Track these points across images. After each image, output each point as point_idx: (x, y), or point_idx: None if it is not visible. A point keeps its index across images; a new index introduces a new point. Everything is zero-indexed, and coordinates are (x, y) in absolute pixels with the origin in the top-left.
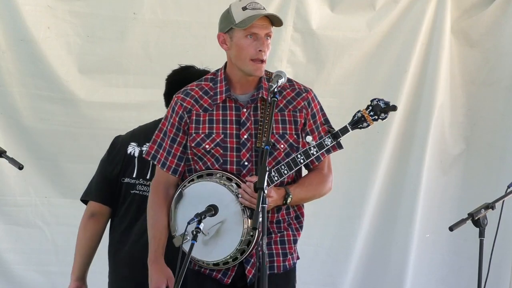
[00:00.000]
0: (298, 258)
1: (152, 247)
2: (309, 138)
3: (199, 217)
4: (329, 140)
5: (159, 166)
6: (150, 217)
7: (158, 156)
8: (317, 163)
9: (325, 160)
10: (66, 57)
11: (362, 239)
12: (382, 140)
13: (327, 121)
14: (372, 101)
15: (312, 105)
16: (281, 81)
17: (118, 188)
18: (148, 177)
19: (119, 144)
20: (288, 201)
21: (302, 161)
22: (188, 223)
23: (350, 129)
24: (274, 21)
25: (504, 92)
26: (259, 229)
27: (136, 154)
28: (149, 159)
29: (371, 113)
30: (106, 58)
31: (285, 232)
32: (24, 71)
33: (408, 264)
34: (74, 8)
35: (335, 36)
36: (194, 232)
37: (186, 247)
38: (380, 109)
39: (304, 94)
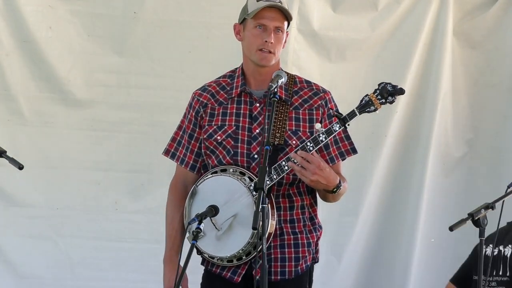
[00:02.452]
0: (314, 260)
1: (167, 246)
2: (318, 125)
3: (200, 217)
4: (337, 125)
5: (178, 163)
6: (167, 215)
7: (177, 153)
8: (330, 165)
9: (339, 163)
10: (68, 57)
11: (362, 243)
12: (384, 141)
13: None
14: (379, 84)
15: (329, 105)
16: (281, 81)
17: None
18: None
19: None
20: (337, 191)
21: (311, 148)
22: (189, 223)
23: (357, 113)
24: (287, 14)
25: (506, 94)
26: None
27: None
28: (169, 157)
29: (379, 97)
30: (106, 58)
31: (299, 235)
32: (28, 74)
33: (411, 267)
34: (75, 8)
35: (337, 37)
36: (194, 233)
37: (200, 244)
38: (387, 92)
39: (321, 94)
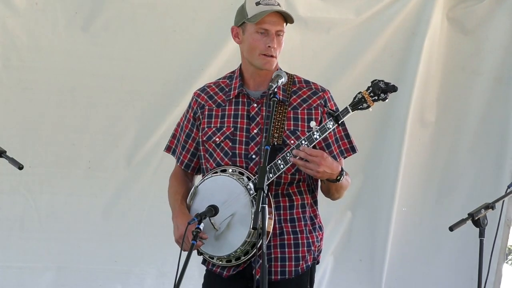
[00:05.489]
0: (315, 260)
1: (175, 205)
2: (312, 123)
3: (200, 217)
4: (331, 123)
5: (175, 160)
6: (170, 190)
7: (177, 150)
8: None
9: (341, 162)
10: (52, 29)
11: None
12: (362, 122)
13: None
14: (372, 81)
15: (328, 104)
16: (281, 81)
17: None
18: None
19: None
20: (340, 179)
21: (306, 146)
22: (189, 223)
23: (350, 111)
24: (287, 17)
25: (492, 83)
26: (260, 230)
27: None
28: (170, 153)
29: (371, 94)
30: (92, 32)
31: (299, 235)
32: (10, 45)
33: (389, 236)
34: None
35: (322, 22)
36: (194, 233)
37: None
38: (380, 89)
39: (320, 93)
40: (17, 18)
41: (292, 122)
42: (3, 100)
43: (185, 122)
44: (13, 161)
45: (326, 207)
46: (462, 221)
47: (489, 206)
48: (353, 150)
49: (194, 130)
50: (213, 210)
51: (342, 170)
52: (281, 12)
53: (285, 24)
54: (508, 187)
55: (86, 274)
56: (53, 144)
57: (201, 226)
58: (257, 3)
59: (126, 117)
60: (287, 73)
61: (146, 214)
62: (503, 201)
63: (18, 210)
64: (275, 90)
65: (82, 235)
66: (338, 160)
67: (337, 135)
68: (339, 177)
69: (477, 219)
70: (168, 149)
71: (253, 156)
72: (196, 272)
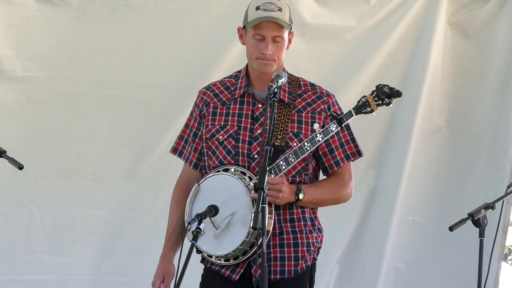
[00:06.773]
0: (315, 260)
1: (164, 242)
2: (316, 126)
3: (200, 217)
4: (334, 125)
5: (183, 160)
6: (169, 213)
7: (184, 151)
8: (336, 168)
9: (345, 166)
10: (55, 36)
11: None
12: (368, 128)
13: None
14: (377, 86)
15: (332, 109)
16: (281, 81)
17: None
18: None
19: None
20: (300, 197)
21: (308, 148)
22: (189, 223)
23: (354, 114)
24: (285, 25)
25: (494, 86)
26: (260, 229)
27: None
28: (176, 155)
29: (375, 98)
30: (95, 39)
31: (298, 235)
32: (14, 55)
33: (387, 243)
34: None
35: (327, 29)
36: (194, 233)
37: (199, 242)
38: (384, 94)
39: (325, 98)
40: (20, 27)
41: (296, 125)
42: (7, 111)
43: (192, 122)
44: (13, 161)
45: (333, 214)
46: (462, 221)
47: (489, 206)
48: (359, 154)
49: (201, 128)
50: (213, 210)
51: (297, 189)
52: (276, 21)
53: (285, 29)
54: (508, 187)
55: (90, 286)
56: (58, 156)
57: (202, 226)
58: (257, 8)
59: (130, 127)
60: (293, 75)
61: (151, 226)
62: (503, 201)
63: (22, 223)
64: (276, 90)
65: (86, 246)
66: (342, 164)
67: (343, 139)
68: (297, 198)
69: (477, 219)
70: (174, 150)
71: (255, 156)
72: (198, 281)
